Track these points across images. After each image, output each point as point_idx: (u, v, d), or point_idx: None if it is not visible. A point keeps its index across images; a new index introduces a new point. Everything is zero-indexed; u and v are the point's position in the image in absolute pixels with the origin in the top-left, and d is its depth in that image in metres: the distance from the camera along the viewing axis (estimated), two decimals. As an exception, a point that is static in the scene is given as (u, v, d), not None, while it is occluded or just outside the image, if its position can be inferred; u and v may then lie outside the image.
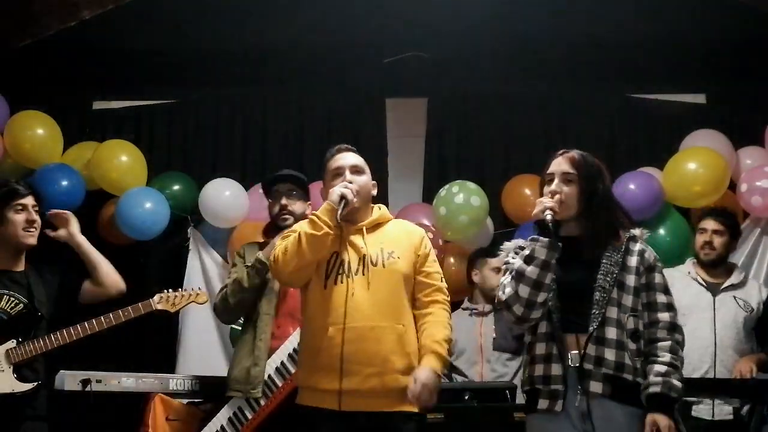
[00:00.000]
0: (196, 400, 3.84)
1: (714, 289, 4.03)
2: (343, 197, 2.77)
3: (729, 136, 4.92)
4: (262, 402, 3.40)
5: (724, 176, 4.69)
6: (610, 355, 2.56)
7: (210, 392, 3.78)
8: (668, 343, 2.62)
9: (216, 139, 5.43)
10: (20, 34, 5.31)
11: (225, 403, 3.49)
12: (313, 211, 2.85)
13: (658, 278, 2.70)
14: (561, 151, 2.79)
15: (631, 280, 2.65)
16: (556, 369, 2.58)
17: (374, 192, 2.98)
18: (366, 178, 2.92)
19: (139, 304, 3.37)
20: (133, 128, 5.41)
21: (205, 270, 4.97)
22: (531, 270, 2.58)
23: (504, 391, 3.61)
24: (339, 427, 2.72)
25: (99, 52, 5.38)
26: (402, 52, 5.37)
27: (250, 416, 3.40)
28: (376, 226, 2.92)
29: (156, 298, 3.40)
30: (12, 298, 3.28)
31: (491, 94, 5.42)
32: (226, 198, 4.94)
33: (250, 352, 3.47)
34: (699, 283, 4.04)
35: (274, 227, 3.64)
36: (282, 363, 3.41)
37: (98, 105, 5.53)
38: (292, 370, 3.36)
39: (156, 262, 5.17)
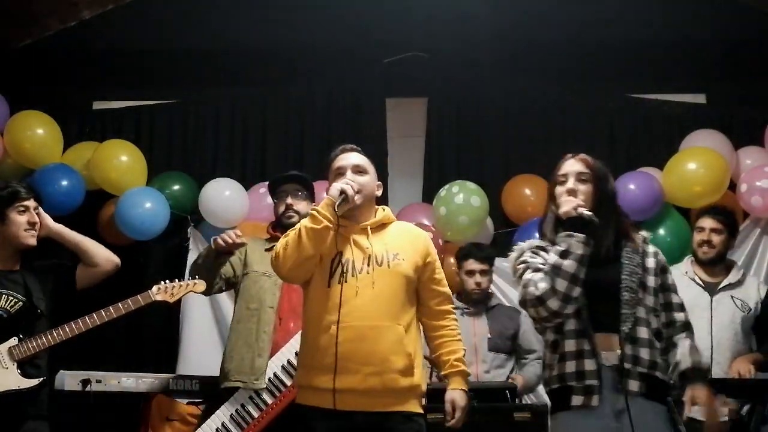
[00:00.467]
0: (196, 400, 3.84)
1: (711, 289, 4.00)
2: (342, 192, 2.77)
3: (729, 136, 4.92)
4: (268, 400, 3.39)
5: (724, 176, 4.70)
6: (644, 354, 2.65)
7: (210, 392, 3.78)
8: (687, 340, 2.76)
9: (216, 139, 5.43)
10: (20, 34, 5.32)
11: (222, 400, 3.46)
12: (314, 206, 2.86)
13: (670, 279, 2.82)
14: (570, 155, 2.87)
15: (650, 281, 2.75)
16: (589, 365, 2.63)
17: (378, 192, 2.97)
18: (368, 178, 2.92)
19: (138, 296, 3.38)
20: (133, 128, 5.41)
21: (205, 270, 4.97)
22: (568, 264, 2.62)
23: (504, 391, 3.60)
24: (335, 426, 2.71)
25: (99, 52, 5.39)
26: (402, 52, 5.37)
27: (255, 414, 3.38)
28: (380, 226, 2.92)
29: (154, 289, 3.40)
30: (11, 297, 3.29)
31: (491, 94, 5.42)
32: (226, 198, 4.94)
33: (252, 343, 3.46)
34: (696, 283, 4.02)
35: (279, 225, 3.66)
36: (288, 361, 3.40)
37: (98, 105, 5.53)
38: (288, 383, 3.36)
39: (156, 262, 5.17)
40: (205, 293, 3.62)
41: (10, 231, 3.32)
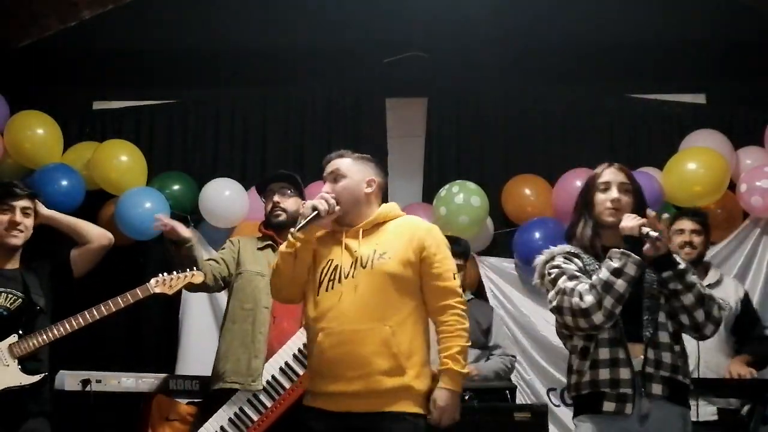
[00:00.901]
0: (196, 400, 3.83)
1: None
2: (314, 208, 2.78)
3: (729, 136, 4.93)
4: (267, 403, 3.39)
5: (724, 176, 4.70)
6: (666, 358, 2.68)
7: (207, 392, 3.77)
8: None
9: (216, 139, 5.43)
10: (20, 34, 5.32)
11: (215, 401, 3.46)
12: (292, 229, 2.87)
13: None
14: (607, 163, 2.90)
15: (693, 277, 2.73)
16: (624, 373, 2.65)
17: (368, 190, 2.90)
18: (345, 182, 2.87)
19: (137, 289, 3.37)
20: (133, 128, 5.41)
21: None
22: (620, 284, 2.62)
23: (504, 391, 3.60)
24: (331, 426, 2.73)
25: (99, 52, 5.39)
26: (402, 52, 5.37)
27: (255, 417, 3.37)
28: (376, 226, 2.87)
29: (152, 281, 3.40)
30: (10, 295, 3.30)
31: (491, 94, 5.42)
32: (226, 198, 4.95)
33: (248, 344, 3.45)
34: None
35: (269, 224, 3.68)
36: (287, 363, 3.40)
37: (98, 105, 5.53)
38: (299, 372, 3.35)
39: (156, 262, 5.16)
40: (205, 289, 3.62)
41: None
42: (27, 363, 3.23)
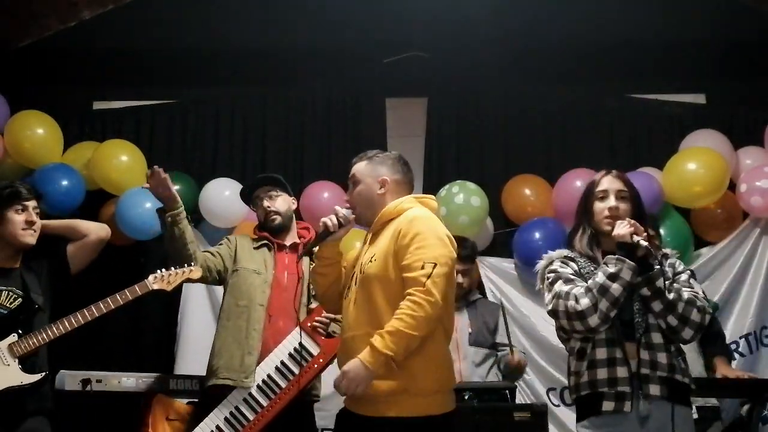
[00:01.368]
0: (196, 400, 3.83)
1: None
2: (325, 225, 2.87)
3: (729, 136, 4.93)
4: (263, 402, 3.39)
5: (723, 176, 4.70)
6: (662, 358, 2.71)
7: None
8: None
9: (216, 139, 5.43)
10: (20, 34, 5.32)
11: (210, 398, 3.47)
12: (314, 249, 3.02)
13: (683, 276, 2.84)
14: (605, 171, 2.95)
15: (661, 283, 2.75)
16: (621, 372, 2.70)
17: (381, 191, 2.86)
18: (359, 188, 2.89)
19: (135, 286, 3.37)
20: (133, 128, 5.41)
21: (205, 270, 4.96)
22: (615, 288, 2.70)
23: (504, 391, 3.60)
24: (347, 424, 2.78)
25: (99, 52, 5.39)
26: (402, 52, 5.37)
27: (250, 417, 3.37)
28: (382, 226, 2.84)
29: (151, 278, 3.40)
30: (11, 293, 3.31)
31: (491, 94, 5.42)
32: (226, 198, 4.94)
33: (241, 340, 3.45)
34: None
35: (266, 229, 3.71)
36: (282, 362, 3.40)
37: (98, 105, 5.53)
38: (295, 371, 3.36)
39: (156, 262, 5.14)
40: (200, 280, 3.63)
41: (8, 230, 3.35)
42: (27, 362, 3.23)
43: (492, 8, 5.06)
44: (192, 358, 4.85)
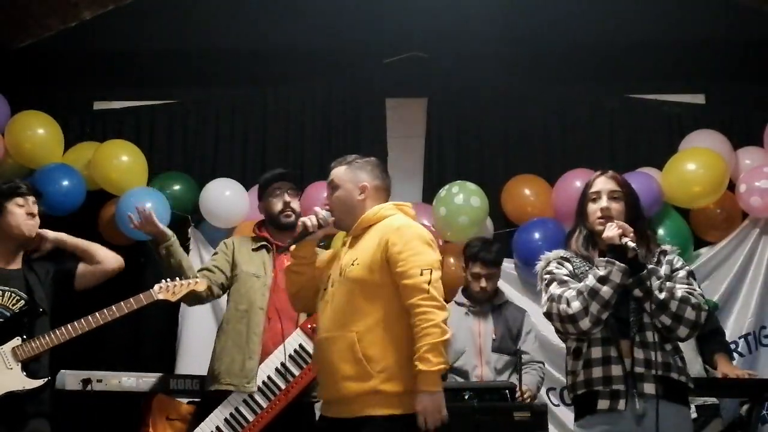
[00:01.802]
0: (196, 400, 3.84)
1: None
2: (304, 225, 2.92)
3: (728, 137, 4.93)
4: (263, 403, 3.39)
5: (723, 177, 4.70)
6: (657, 356, 2.70)
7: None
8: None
9: (216, 139, 5.43)
10: (20, 34, 5.33)
11: (211, 402, 3.47)
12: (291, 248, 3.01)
13: (681, 273, 2.83)
14: (600, 172, 2.95)
15: (657, 285, 2.76)
16: (616, 370, 2.71)
17: (361, 197, 2.91)
18: (339, 192, 2.93)
19: (141, 295, 3.38)
20: (134, 128, 5.41)
21: (205, 270, 4.97)
22: (605, 291, 2.71)
23: (504, 390, 3.60)
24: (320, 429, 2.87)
25: (99, 52, 5.39)
26: (402, 52, 5.37)
27: (250, 418, 3.38)
28: (363, 231, 2.88)
29: (156, 288, 3.41)
30: (13, 294, 3.30)
31: (491, 94, 5.42)
32: (226, 198, 4.95)
33: (242, 345, 3.46)
34: None
35: (274, 224, 3.66)
36: (282, 364, 3.41)
37: (99, 105, 5.54)
38: (295, 372, 3.37)
39: (156, 262, 5.16)
40: (201, 301, 3.65)
41: (10, 222, 3.35)
42: (29, 366, 3.22)
43: (492, 8, 5.07)
44: (193, 358, 4.86)
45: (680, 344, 3.78)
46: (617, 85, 5.43)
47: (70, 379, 3.52)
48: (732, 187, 4.79)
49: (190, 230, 5.05)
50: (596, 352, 2.75)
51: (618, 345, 2.72)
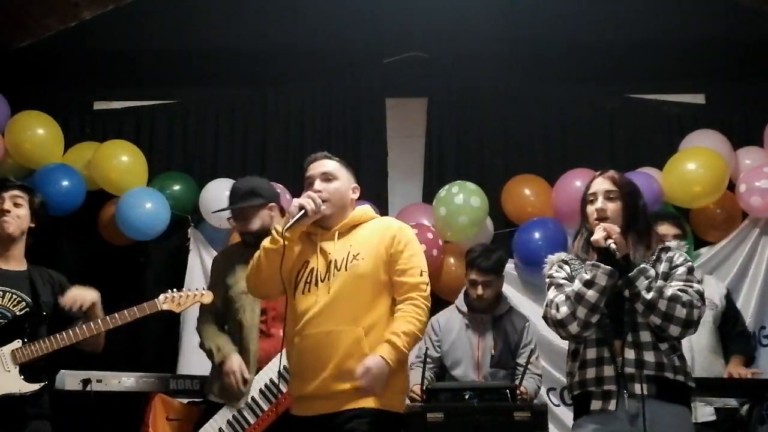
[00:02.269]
0: (196, 400, 3.84)
1: None
2: (302, 207, 2.77)
3: (728, 137, 4.92)
4: (264, 406, 3.42)
5: (723, 176, 4.70)
6: (648, 356, 2.70)
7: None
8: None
9: (216, 139, 5.42)
10: (20, 34, 5.33)
11: (211, 408, 3.50)
12: (275, 225, 2.91)
13: (680, 270, 2.80)
14: (599, 172, 2.94)
15: (645, 285, 2.74)
16: (608, 371, 2.72)
17: (354, 196, 2.95)
18: (338, 184, 2.89)
19: (145, 304, 3.36)
20: (134, 128, 5.40)
21: (205, 270, 4.94)
22: (591, 294, 2.71)
23: (505, 390, 3.60)
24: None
25: (99, 52, 5.39)
26: (402, 52, 5.37)
27: (251, 420, 3.42)
28: (351, 228, 2.90)
29: (161, 298, 3.39)
30: (14, 296, 3.27)
31: (491, 94, 5.42)
32: (226, 198, 4.89)
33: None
34: None
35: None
36: (285, 367, 3.41)
37: (99, 105, 5.53)
38: (283, 389, 3.37)
39: (156, 262, 5.17)
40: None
41: None
42: (27, 370, 3.20)
43: (492, 8, 5.06)
44: (194, 358, 4.83)
45: (703, 346, 3.86)
46: (617, 85, 5.42)
47: (69, 379, 3.52)
48: (732, 187, 4.79)
49: (190, 230, 5.05)
50: (591, 353, 2.77)
51: (611, 346, 2.73)
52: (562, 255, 2.96)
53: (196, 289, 3.48)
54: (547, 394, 4.72)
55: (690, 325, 2.69)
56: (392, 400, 2.77)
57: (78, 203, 4.90)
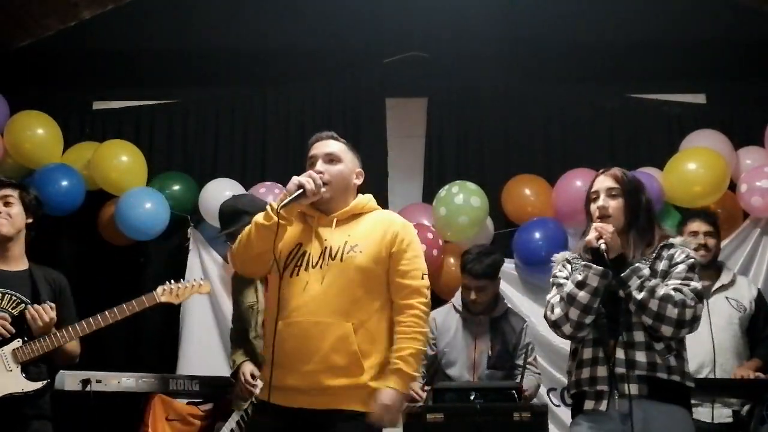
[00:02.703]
0: (196, 400, 3.84)
1: (706, 292, 3.97)
2: (300, 186, 2.62)
3: (729, 136, 4.92)
4: None
5: (724, 176, 4.70)
6: (641, 357, 2.69)
7: (210, 392, 3.77)
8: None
9: (216, 139, 5.42)
10: (20, 34, 5.32)
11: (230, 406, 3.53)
12: (270, 201, 2.76)
13: (679, 267, 2.77)
14: (601, 170, 2.93)
15: (637, 284, 2.72)
16: (601, 371, 2.72)
17: (358, 181, 2.81)
18: (341, 167, 2.74)
19: (143, 297, 3.36)
20: (133, 128, 5.40)
21: (205, 270, 4.96)
22: (582, 295, 2.72)
23: (510, 391, 3.59)
24: (285, 424, 2.62)
25: (99, 52, 5.39)
26: (402, 52, 5.37)
27: None
28: (351, 216, 2.76)
29: (159, 290, 3.39)
30: (13, 297, 3.26)
31: (491, 94, 5.41)
32: (226, 198, 4.92)
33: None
34: None
35: None
36: None
37: (98, 105, 5.53)
38: None
39: (156, 262, 5.17)
40: None
41: None
42: (29, 369, 3.20)
43: (492, 8, 5.06)
44: (193, 358, 4.85)
45: (726, 348, 3.87)
46: (617, 85, 5.42)
47: (69, 379, 3.52)
48: (733, 186, 4.79)
49: (189, 230, 5.06)
50: (587, 353, 2.78)
51: (606, 346, 2.73)
52: (567, 254, 2.95)
53: (194, 280, 3.47)
54: (548, 394, 4.72)
55: (683, 324, 2.66)
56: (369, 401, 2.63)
57: (78, 203, 4.90)
